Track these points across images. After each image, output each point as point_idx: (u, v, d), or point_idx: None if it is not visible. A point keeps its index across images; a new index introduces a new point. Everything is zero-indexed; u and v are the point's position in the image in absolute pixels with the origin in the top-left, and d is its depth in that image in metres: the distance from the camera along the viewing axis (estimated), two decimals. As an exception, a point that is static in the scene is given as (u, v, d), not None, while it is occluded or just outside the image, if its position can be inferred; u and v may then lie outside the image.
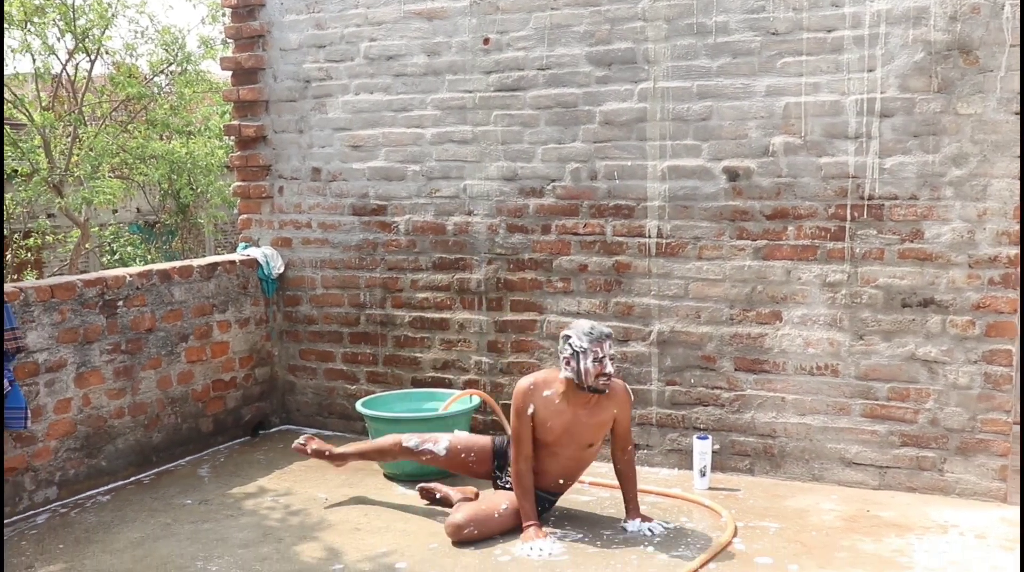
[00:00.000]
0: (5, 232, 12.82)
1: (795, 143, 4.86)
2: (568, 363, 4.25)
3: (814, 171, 4.84)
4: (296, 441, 5.04)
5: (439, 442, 4.64)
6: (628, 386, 4.51)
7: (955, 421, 4.70)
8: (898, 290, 4.75)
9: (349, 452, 4.91)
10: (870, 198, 4.76)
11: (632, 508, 4.43)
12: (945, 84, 4.57)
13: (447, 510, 4.57)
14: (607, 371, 4.22)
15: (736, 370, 5.10)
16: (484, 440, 4.72)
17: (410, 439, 4.67)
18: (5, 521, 4.62)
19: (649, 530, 4.33)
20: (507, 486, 4.54)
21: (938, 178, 4.63)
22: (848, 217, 4.81)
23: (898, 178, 4.70)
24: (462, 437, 4.71)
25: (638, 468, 5.04)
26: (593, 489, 4.95)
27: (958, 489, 4.72)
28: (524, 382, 4.37)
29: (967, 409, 4.67)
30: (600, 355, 4.20)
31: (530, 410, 4.33)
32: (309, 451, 4.94)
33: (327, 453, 4.91)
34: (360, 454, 4.88)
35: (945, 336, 4.69)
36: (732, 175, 5.01)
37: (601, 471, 4.98)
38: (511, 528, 4.35)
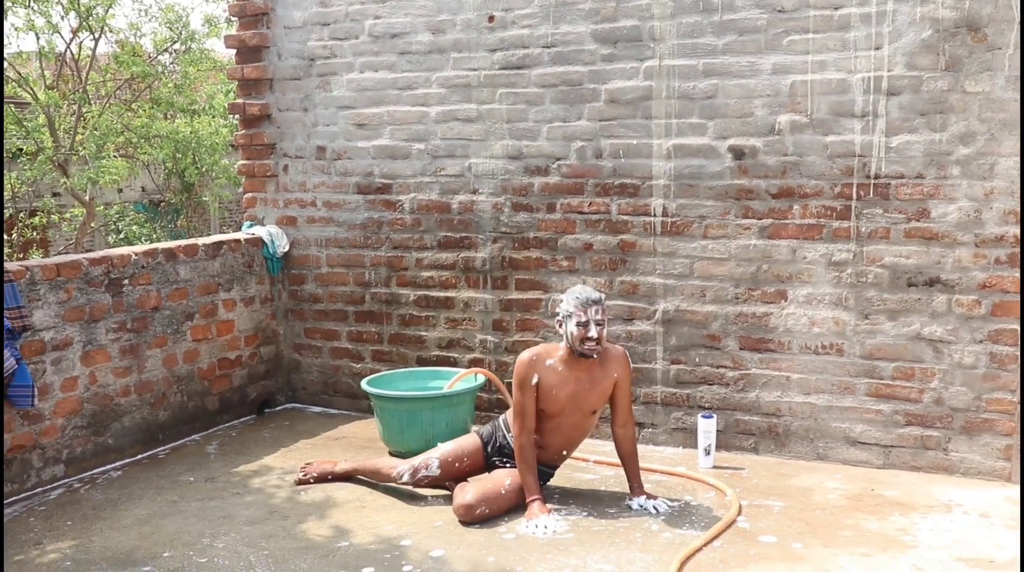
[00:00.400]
0: (11, 211, 12.83)
1: (801, 121, 4.84)
2: (561, 325, 4.32)
3: (820, 150, 4.83)
4: (296, 476, 4.85)
5: (430, 465, 4.54)
6: (627, 352, 4.50)
7: (960, 400, 4.70)
8: (904, 269, 4.75)
9: (349, 470, 4.83)
10: (876, 177, 4.74)
11: (636, 486, 4.44)
12: (953, 62, 4.54)
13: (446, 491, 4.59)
14: (590, 335, 4.23)
15: (741, 349, 5.10)
16: (471, 440, 4.66)
17: (403, 473, 4.58)
18: (14, 498, 4.65)
19: (654, 508, 4.34)
20: (507, 465, 4.54)
21: (945, 157, 4.61)
22: (854, 196, 4.79)
23: (904, 157, 4.68)
24: (448, 448, 4.61)
25: (642, 447, 5.06)
26: (597, 467, 4.96)
27: (962, 468, 4.73)
28: (525, 354, 4.37)
29: (972, 389, 4.67)
30: (583, 319, 4.22)
31: (534, 380, 4.32)
32: (312, 480, 4.81)
33: (329, 476, 4.83)
34: (359, 472, 4.80)
35: (951, 315, 4.68)
36: (738, 153, 4.99)
37: (606, 449, 4.99)
38: (517, 504, 4.36)
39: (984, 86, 4.49)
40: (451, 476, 4.56)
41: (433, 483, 4.60)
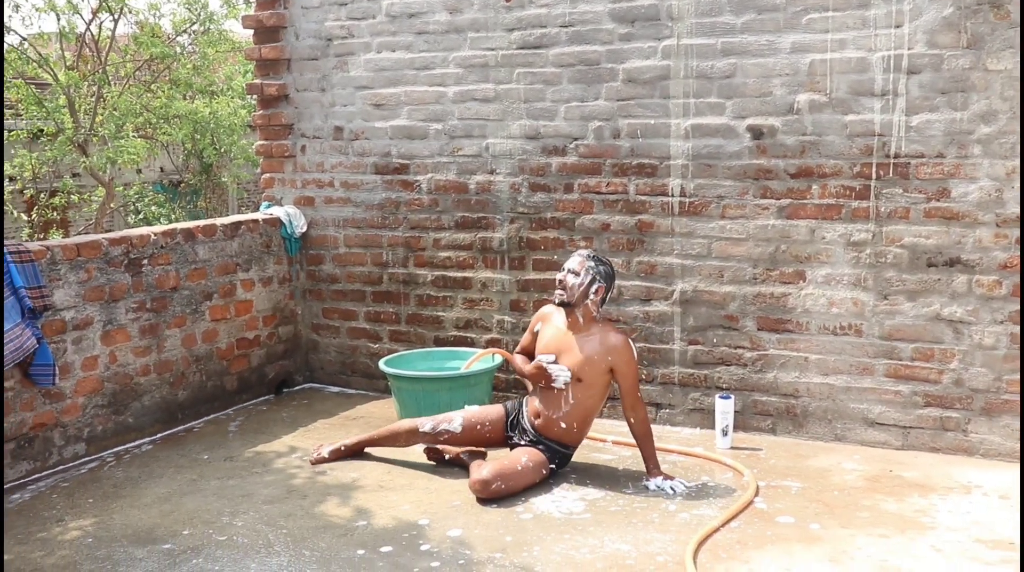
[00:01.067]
0: (32, 192, 12.92)
1: (820, 101, 4.81)
2: None
3: (839, 129, 4.79)
4: (310, 458, 4.87)
5: (453, 420, 4.65)
6: (631, 342, 4.51)
7: (980, 381, 4.67)
8: (923, 249, 4.71)
9: (363, 439, 4.87)
10: (896, 156, 4.71)
11: (652, 466, 4.45)
12: (974, 39, 4.49)
13: (464, 469, 4.61)
14: (557, 277, 4.54)
15: (759, 330, 5.08)
16: (496, 409, 4.75)
17: (424, 424, 4.68)
18: (36, 476, 4.70)
19: (671, 488, 4.35)
20: (522, 443, 4.58)
21: (966, 136, 4.57)
22: (873, 175, 4.76)
23: (925, 136, 4.64)
24: (474, 410, 4.73)
25: (660, 427, 5.07)
26: (615, 448, 4.96)
27: (982, 450, 4.70)
28: (543, 308, 4.79)
29: (992, 370, 4.64)
30: (564, 269, 4.54)
31: (537, 327, 4.71)
32: (327, 455, 4.83)
33: (342, 448, 4.85)
34: (374, 440, 4.84)
35: (971, 296, 4.65)
36: (756, 133, 4.96)
37: (623, 429, 4.99)
38: (533, 482, 4.39)
39: (1007, 64, 4.44)
40: (470, 439, 4.64)
41: (452, 441, 4.65)
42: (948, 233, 4.66)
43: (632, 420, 4.47)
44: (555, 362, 4.51)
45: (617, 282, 5.29)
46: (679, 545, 3.81)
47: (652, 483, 4.40)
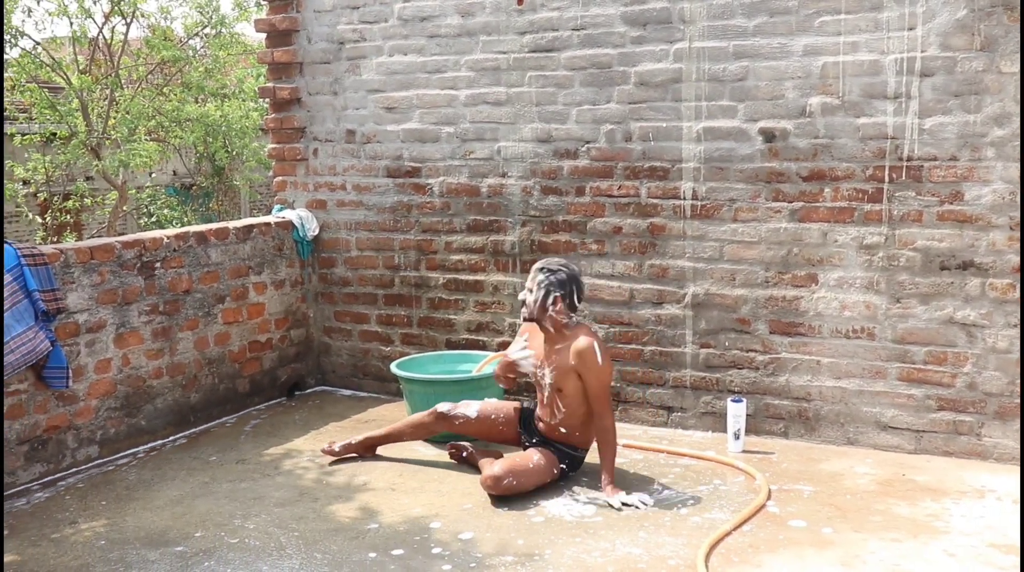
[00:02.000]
0: (45, 195, 12.98)
1: (832, 103, 4.80)
2: None
3: (852, 132, 4.78)
4: (324, 448, 4.94)
5: (470, 406, 4.76)
6: (596, 345, 4.38)
7: (994, 385, 4.65)
8: (937, 252, 4.70)
9: (376, 435, 4.91)
10: (909, 159, 4.69)
11: (607, 481, 4.34)
12: (988, 42, 4.48)
13: (477, 471, 4.61)
14: (520, 296, 4.57)
15: (771, 333, 5.07)
16: (511, 405, 4.80)
17: (440, 405, 4.78)
18: (49, 478, 4.72)
19: (620, 503, 4.22)
20: (534, 442, 4.59)
21: (979, 138, 4.55)
22: (886, 178, 4.75)
23: (938, 139, 4.63)
24: (491, 402, 4.83)
25: (671, 431, 5.07)
26: (626, 451, 4.96)
27: (996, 454, 4.68)
28: None
29: (1006, 373, 4.62)
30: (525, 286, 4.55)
31: (525, 337, 4.70)
32: (339, 449, 4.89)
33: (353, 443, 4.90)
34: (390, 435, 4.88)
35: (984, 299, 4.63)
36: (768, 136, 4.95)
37: (634, 433, 4.99)
38: (544, 481, 4.41)
39: (1020, 66, 4.42)
40: (484, 428, 4.71)
41: (466, 427, 4.71)
42: (961, 236, 4.64)
43: (596, 427, 4.43)
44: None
45: (623, 284, 5.30)
46: (691, 549, 3.81)
47: (605, 498, 4.28)
